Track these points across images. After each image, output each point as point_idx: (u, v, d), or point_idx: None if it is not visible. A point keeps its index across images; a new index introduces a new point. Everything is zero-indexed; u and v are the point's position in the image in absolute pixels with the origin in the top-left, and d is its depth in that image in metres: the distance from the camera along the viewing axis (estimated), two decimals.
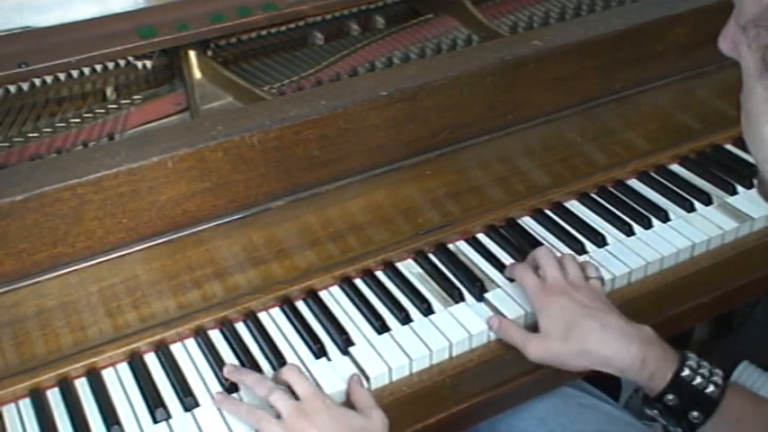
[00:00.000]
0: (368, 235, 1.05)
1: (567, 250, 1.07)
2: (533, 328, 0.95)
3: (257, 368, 0.93)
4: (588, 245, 1.09)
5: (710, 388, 0.86)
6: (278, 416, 0.83)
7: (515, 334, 0.94)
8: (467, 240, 1.10)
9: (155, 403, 0.88)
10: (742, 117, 0.60)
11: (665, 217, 1.13)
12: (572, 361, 0.91)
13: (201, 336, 0.97)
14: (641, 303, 1.02)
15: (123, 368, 0.93)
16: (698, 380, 0.86)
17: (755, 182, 0.65)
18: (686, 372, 0.86)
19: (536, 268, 0.99)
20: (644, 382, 0.89)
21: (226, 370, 0.91)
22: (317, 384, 0.89)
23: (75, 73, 1.08)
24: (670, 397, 0.86)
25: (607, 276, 1.03)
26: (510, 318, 0.97)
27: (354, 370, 0.91)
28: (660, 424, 1.03)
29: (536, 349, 0.92)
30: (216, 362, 0.93)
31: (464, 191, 1.10)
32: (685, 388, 0.86)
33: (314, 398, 0.84)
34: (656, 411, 0.89)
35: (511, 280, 1.03)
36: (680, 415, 0.86)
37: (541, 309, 0.94)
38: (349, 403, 0.88)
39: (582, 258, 1.05)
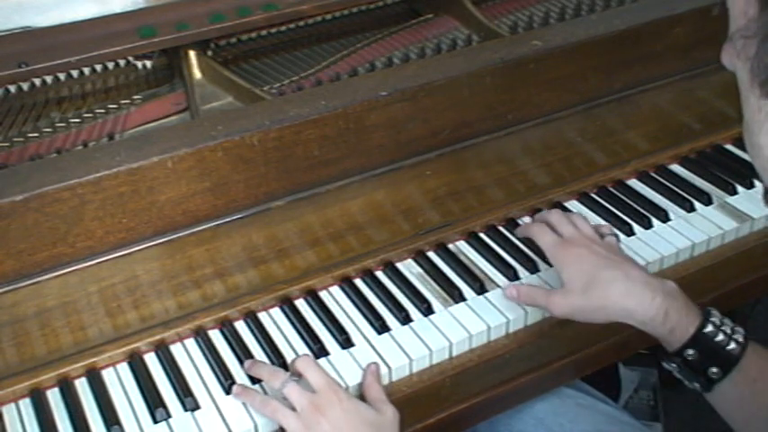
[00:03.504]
0: (368, 235, 1.05)
1: None
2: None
3: None
4: None
5: (732, 345, 0.84)
6: (293, 408, 0.83)
7: (537, 294, 0.94)
8: (467, 240, 1.10)
9: (155, 403, 0.88)
10: (743, 125, 0.60)
11: (665, 217, 1.13)
12: (595, 314, 0.89)
13: (201, 336, 0.97)
14: None
15: (123, 368, 0.93)
16: (720, 336, 0.85)
17: (762, 193, 0.65)
18: (709, 328, 0.85)
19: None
20: (664, 335, 0.87)
21: (245, 365, 0.91)
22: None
23: (75, 73, 1.08)
24: (690, 352, 0.85)
25: None
26: (512, 317, 0.97)
27: (354, 369, 0.92)
28: (660, 425, 1.03)
29: (560, 304, 0.91)
30: (216, 362, 0.93)
31: (464, 191, 1.10)
32: (706, 344, 0.85)
33: (328, 390, 0.84)
34: (673, 365, 0.87)
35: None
36: (698, 370, 0.85)
37: (563, 263, 0.93)
38: (361, 396, 0.89)
39: None
